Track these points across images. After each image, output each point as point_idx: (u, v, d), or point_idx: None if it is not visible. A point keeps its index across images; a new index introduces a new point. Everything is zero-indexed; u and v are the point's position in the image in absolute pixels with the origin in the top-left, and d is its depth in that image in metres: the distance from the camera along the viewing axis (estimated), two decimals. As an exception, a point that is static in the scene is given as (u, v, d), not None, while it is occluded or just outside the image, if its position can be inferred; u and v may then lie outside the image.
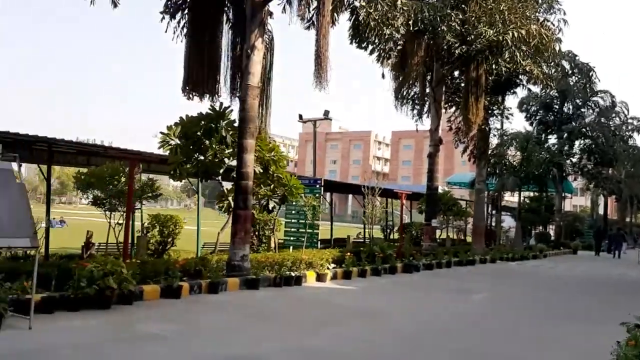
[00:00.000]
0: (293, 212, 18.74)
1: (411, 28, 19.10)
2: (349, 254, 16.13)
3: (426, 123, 24.97)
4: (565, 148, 39.29)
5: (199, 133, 13.80)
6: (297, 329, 8.70)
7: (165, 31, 14.34)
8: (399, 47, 20.82)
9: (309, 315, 10.00)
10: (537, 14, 24.35)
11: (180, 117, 13.99)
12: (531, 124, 40.49)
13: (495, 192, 34.73)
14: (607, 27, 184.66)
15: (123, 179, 13.41)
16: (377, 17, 16.07)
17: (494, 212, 35.04)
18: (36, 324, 7.41)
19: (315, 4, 13.80)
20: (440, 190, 27.94)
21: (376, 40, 18.33)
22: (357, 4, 15.82)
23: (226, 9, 14.46)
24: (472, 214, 29.84)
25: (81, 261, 10.30)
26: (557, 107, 39.91)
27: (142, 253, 13.65)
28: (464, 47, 21.51)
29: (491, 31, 20.90)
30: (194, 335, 7.85)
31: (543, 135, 40.12)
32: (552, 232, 41.91)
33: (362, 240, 26.52)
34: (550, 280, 19.14)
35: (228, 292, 11.66)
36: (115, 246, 14.09)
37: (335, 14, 14.61)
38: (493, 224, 34.25)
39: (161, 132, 14.03)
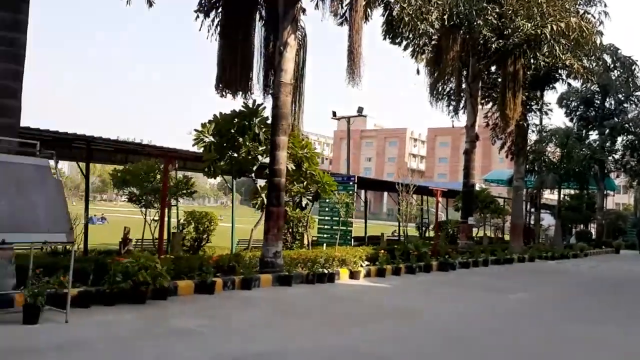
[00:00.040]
0: (326, 209, 18.71)
1: (446, 23, 18.85)
2: (382, 251, 15.99)
3: (462, 119, 24.68)
4: (607, 144, 38.21)
5: (232, 130, 13.88)
6: (328, 327, 8.65)
7: (199, 29, 14.55)
8: (433, 42, 20.59)
9: (341, 313, 9.94)
10: (576, 6, 23.65)
11: (214, 115, 14.10)
12: (571, 120, 39.55)
13: (534, 189, 34.00)
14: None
15: (158, 176, 13.61)
16: (411, 12, 15.88)
17: (532, 210, 34.35)
18: (72, 318, 7.57)
19: (348, -1, 13.73)
20: (477, 188, 27.53)
21: (410, 36, 18.16)
22: (391, -1, 15.68)
23: (259, 6, 14.51)
24: (510, 211, 29.30)
25: (117, 257, 10.50)
26: (598, 102, 38.89)
27: (177, 249, 13.83)
28: (500, 41, 21.12)
29: (529, 24, 20.44)
30: (226, 331, 7.90)
31: (584, 132, 39.09)
32: (593, 231, 40.86)
33: (396, 238, 26.30)
34: (591, 280, 18.60)
35: (261, 288, 11.71)
36: (151, 242, 14.32)
37: (368, 10, 14.53)
38: (532, 222, 33.57)
39: (195, 130, 14.18)
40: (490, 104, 26.19)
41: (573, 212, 36.86)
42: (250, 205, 20.14)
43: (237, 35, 13.95)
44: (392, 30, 17.23)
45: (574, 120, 39.40)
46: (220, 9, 14.40)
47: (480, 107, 24.43)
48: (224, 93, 13.93)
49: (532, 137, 30.54)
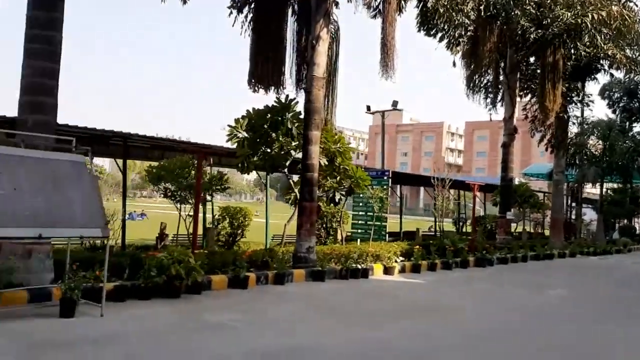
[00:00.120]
0: (360, 204, 18.58)
1: (482, 13, 18.45)
2: (417, 247, 15.80)
3: (500, 112, 24.17)
4: (652, 137, 36.87)
5: (265, 126, 13.89)
6: (362, 322, 8.57)
7: (233, 25, 14.58)
8: (469, 34, 20.19)
9: (374, 308, 9.83)
10: (618, -6, 22.86)
11: (247, 110, 14.14)
12: (614, 112, 38.26)
13: (575, 183, 33.16)
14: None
15: (193, 172, 13.73)
16: (446, 3, 15.65)
17: (574, 204, 33.51)
18: (108, 312, 7.68)
19: (381, -9, 13.57)
20: (516, 182, 26.96)
21: (445, 27, 17.88)
22: (425, -10, 15.45)
23: (291, 0, 14.47)
24: (550, 206, 28.64)
25: (153, 251, 10.63)
26: (643, 93, 37.52)
27: (212, 244, 13.94)
28: (539, 31, 20.57)
29: (569, 13, 19.86)
30: (259, 326, 7.89)
31: (627, 124, 37.73)
32: (637, 226, 39.64)
33: (432, 233, 26.00)
34: (635, 276, 18.02)
35: (294, 283, 11.70)
36: (187, 237, 14.48)
37: (401, 1, 14.33)
38: (573, 217, 32.72)
39: (229, 125, 14.25)
40: (529, 95, 25.62)
41: (616, 206, 35.74)
42: (285, 201, 20.21)
43: (269, 30, 13.95)
44: (427, 22, 17.00)
45: (617, 112, 38.10)
46: (252, 4, 14.41)
47: (518, 99, 23.92)
48: (256, 88, 13.95)
49: (573, 129, 29.77)
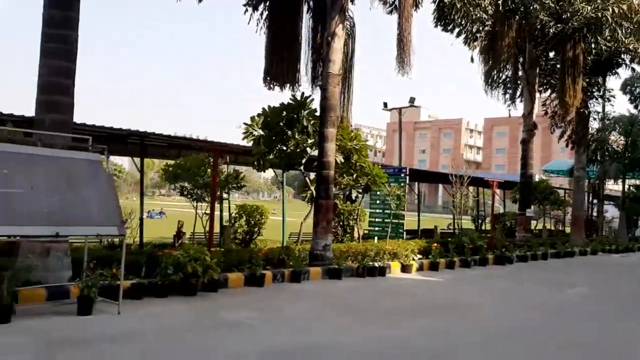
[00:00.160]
0: (377, 202, 18.48)
1: (500, 8, 18.23)
2: (435, 244, 15.66)
3: (519, 108, 23.85)
4: (676, 132, 36.13)
5: (281, 123, 13.84)
6: (379, 320, 8.49)
7: (248, 23, 14.55)
8: (487, 29, 19.95)
9: (392, 306, 9.74)
10: (639, -13, 22.43)
11: (263, 108, 14.09)
12: (636, 107, 37.45)
13: (596, 179, 32.62)
14: None
15: (209, 170, 13.75)
16: (463, -2, 15.45)
17: (595, 201, 32.97)
18: (125, 309, 7.71)
19: (397, -14, 13.45)
20: (536, 179, 26.60)
21: (462, 22, 17.70)
22: (442, -15, 15.30)
23: (307, -3, 14.42)
24: (571, 203, 28.23)
25: (170, 249, 10.66)
26: (665, 87, 36.78)
27: (228, 242, 13.95)
28: (559, 25, 20.27)
29: (589, 7, 19.54)
30: (276, 324, 7.86)
31: (650, 119, 37.14)
32: (661, 223, 38.84)
33: (451, 231, 25.78)
34: (659, 274, 17.66)
35: (310, 281, 11.66)
36: (204, 235, 14.51)
37: (418, -4, 14.19)
38: (594, 214, 32.22)
39: (244, 123, 14.23)
40: (549, 91, 25.26)
41: (638, 203, 35.12)
42: (302, 199, 20.20)
43: (284, 27, 13.90)
44: (444, 17, 16.85)
45: (639, 107, 37.50)
46: (267, 2, 14.37)
47: (537, 94, 23.59)
48: (271, 86, 13.93)
49: (594, 125, 29.25)
